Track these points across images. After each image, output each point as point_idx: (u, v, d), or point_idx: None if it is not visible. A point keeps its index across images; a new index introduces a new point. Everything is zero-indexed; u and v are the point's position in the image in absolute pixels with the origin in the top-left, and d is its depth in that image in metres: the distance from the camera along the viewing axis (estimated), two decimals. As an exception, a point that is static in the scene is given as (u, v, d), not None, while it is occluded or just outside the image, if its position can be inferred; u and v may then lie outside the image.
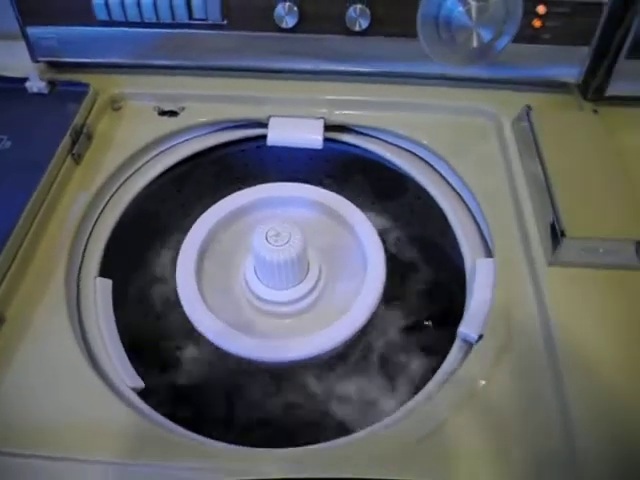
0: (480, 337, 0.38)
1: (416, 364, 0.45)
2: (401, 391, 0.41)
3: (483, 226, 0.46)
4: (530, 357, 0.37)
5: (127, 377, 0.40)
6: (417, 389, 0.38)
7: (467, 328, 0.39)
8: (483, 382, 0.36)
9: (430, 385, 0.38)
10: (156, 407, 0.38)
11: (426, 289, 0.50)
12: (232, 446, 0.34)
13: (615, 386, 0.34)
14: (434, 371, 0.39)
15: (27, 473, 0.32)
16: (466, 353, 0.39)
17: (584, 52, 0.49)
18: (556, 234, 0.39)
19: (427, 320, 0.49)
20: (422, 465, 0.33)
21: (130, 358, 0.41)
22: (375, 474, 0.32)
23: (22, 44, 0.54)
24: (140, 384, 0.40)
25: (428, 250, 0.52)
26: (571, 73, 0.50)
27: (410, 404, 0.37)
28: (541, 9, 0.46)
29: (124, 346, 0.42)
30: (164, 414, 0.37)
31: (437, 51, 0.49)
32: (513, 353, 0.37)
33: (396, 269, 0.47)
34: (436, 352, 0.41)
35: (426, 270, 0.51)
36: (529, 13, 0.46)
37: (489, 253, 0.44)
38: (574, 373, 0.35)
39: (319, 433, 0.37)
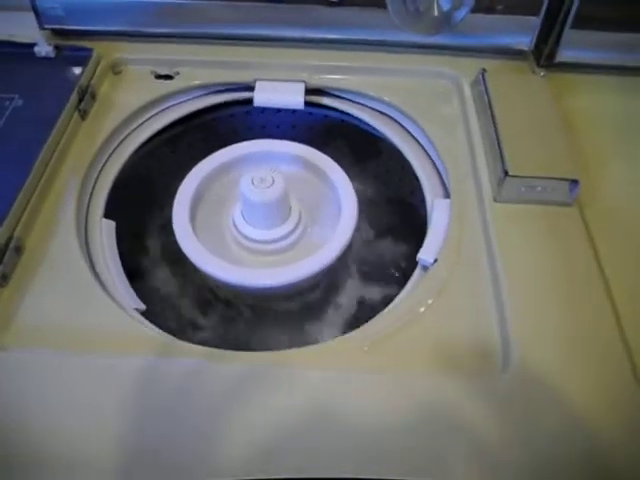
0: (435, 261, 0.45)
1: (379, 290, 0.51)
2: (365, 312, 0.48)
3: (443, 174, 0.52)
4: (476, 277, 0.43)
5: (131, 300, 0.46)
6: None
7: (424, 254, 0.45)
8: (430, 301, 0.42)
9: (392, 304, 0.45)
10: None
11: (392, 227, 0.56)
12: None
13: (547, 300, 0.41)
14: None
15: (44, 367, 0.38)
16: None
17: (534, 22, 0.55)
18: (501, 173, 0.46)
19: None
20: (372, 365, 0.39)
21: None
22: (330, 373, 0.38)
23: (29, 15, 0.59)
24: (142, 306, 0.46)
25: (398, 200, 0.59)
26: (523, 41, 0.57)
27: (374, 319, 0.43)
28: (495, -18, 0.52)
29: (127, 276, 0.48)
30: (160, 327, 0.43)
31: (404, 21, 0.55)
32: (461, 274, 0.43)
33: (367, 212, 0.53)
34: (398, 280, 0.47)
35: (393, 212, 0.57)
36: (485, -14, 0.52)
37: (448, 196, 0.51)
38: (513, 290, 0.41)
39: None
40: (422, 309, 0.42)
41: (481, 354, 0.40)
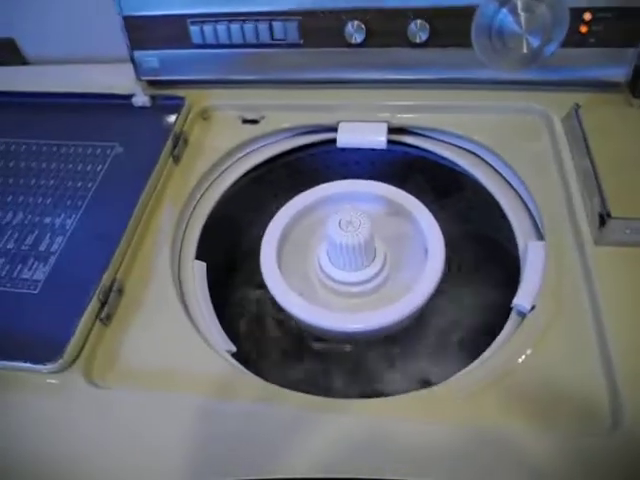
0: (532, 308, 0.43)
1: (473, 338, 0.50)
2: (459, 360, 0.46)
3: (536, 215, 0.50)
4: (578, 326, 0.41)
5: (222, 342, 0.47)
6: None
7: (520, 300, 0.44)
8: (529, 351, 0.40)
9: (487, 353, 0.43)
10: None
11: (482, 273, 0.54)
12: (309, 395, 0.40)
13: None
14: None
15: (147, 403, 0.40)
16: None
17: (630, 53, 0.52)
18: (602, 216, 0.43)
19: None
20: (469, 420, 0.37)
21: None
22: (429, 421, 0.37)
23: (126, 66, 0.64)
24: (233, 348, 0.47)
25: (484, 239, 0.57)
26: (619, 73, 0.54)
27: (467, 369, 0.42)
28: (587, 16, 0.50)
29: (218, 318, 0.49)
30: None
31: (491, 58, 0.54)
32: (562, 323, 0.41)
33: (455, 254, 0.52)
34: (492, 328, 0.45)
35: (482, 254, 0.56)
36: (576, 19, 0.51)
37: (541, 238, 0.49)
38: (619, 340, 0.39)
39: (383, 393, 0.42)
40: (520, 360, 0.40)
41: (587, 411, 0.37)
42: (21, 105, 0.64)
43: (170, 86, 0.63)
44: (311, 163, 0.64)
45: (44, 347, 0.41)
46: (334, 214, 0.51)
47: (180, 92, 0.62)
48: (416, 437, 0.36)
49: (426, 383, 0.43)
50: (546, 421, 0.37)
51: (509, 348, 0.41)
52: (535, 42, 0.51)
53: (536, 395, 0.38)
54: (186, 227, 0.54)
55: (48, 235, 0.50)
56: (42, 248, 0.49)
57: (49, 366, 0.40)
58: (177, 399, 0.40)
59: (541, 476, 0.34)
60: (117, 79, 0.65)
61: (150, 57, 0.61)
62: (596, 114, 0.52)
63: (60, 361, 0.40)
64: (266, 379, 0.42)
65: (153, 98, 0.61)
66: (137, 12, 0.57)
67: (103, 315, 0.44)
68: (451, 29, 0.53)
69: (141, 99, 0.61)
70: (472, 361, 0.42)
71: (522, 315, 0.44)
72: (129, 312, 0.46)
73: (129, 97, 0.61)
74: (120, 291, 0.47)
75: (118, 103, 0.62)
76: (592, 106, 0.53)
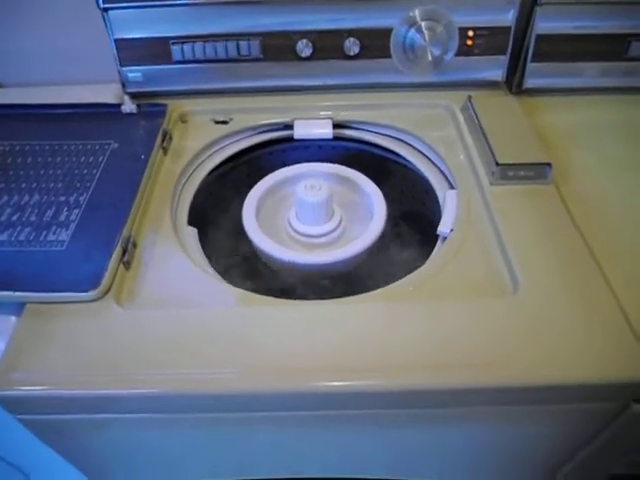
0: (451, 231, 0.59)
1: (411, 262, 0.65)
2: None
3: (448, 174, 0.68)
4: (484, 239, 0.57)
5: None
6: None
7: (443, 227, 0.60)
8: (451, 257, 0.56)
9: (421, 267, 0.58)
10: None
11: (413, 215, 0.70)
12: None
13: (539, 246, 0.55)
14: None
15: (157, 323, 0.51)
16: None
17: (503, 59, 0.73)
18: (492, 165, 0.61)
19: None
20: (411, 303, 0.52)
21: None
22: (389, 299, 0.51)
23: (110, 86, 0.76)
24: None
25: (412, 198, 0.74)
26: (497, 74, 0.74)
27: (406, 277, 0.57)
28: (470, 32, 0.70)
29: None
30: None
31: (406, 66, 0.72)
32: (473, 237, 0.57)
33: (391, 204, 0.68)
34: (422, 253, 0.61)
35: (410, 205, 0.72)
36: (463, 36, 0.70)
37: (451, 185, 0.65)
38: (512, 241, 0.55)
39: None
40: (446, 263, 0.55)
41: (495, 287, 0.53)
42: (17, 116, 0.75)
43: (152, 96, 0.76)
44: (271, 157, 0.78)
45: (81, 283, 0.52)
46: (301, 182, 0.65)
47: (162, 101, 0.75)
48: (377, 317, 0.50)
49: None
50: (468, 295, 0.52)
51: (437, 259, 0.57)
52: (436, 52, 0.70)
53: (459, 284, 0.53)
54: (178, 202, 0.67)
55: (65, 209, 0.60)
56: (62, 218, 0.59)
57: (90, 294, 0.51)
58: (186, 313, 0.51)
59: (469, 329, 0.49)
60: (103, 95, 0.77)
61: (135, 72, 0.74)
62: (483, 103, 0.70)
63: (97, 290, 0.51)
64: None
65: (139, 106, 0.74)
66: (126, 35, 0.71)
67: (125, 260, 0.55)
68: (376, 44, 0.71)
69: (129, 107, 0.73)
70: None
71: (444, 238, 0.60)
72: (143, 260, 0.57)
73: (118, 105, 0.74)
74: (135, 244, 0.58)
75: (108, 111, 0.74)
76: (480, 97, 0.72)
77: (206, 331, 0.49)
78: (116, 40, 0.71)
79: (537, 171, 0.61)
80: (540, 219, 0.57)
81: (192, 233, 0.64)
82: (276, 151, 0.79)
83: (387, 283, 0.54)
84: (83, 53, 0.78)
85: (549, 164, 0.60)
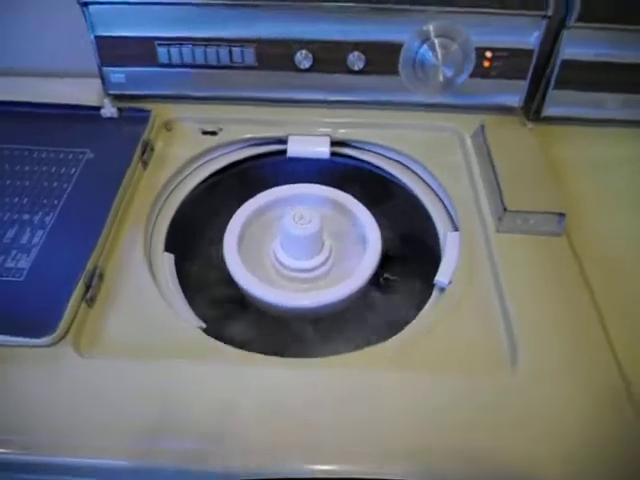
0: (449, 283, 0.53)
1: (403, 309, 0.60)
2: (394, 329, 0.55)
3: (452, 211, 0.62)
4: (485, 294, 0.52)
5: (193, 320, 0.54)
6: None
7: (441, 277, 0.54)
8: (447, 315, 0.51)
9: (414, 321, 0.53)
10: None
11: (411, 257, 0.65)
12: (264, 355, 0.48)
13: (544, 307, 0.50)
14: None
15: (120, 373, 0.45)
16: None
17: (523, 84, 0.66)
18: (500, 210, 0.55)
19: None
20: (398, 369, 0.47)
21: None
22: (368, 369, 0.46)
23: (92, 81, 0.70)
24: (202, 324, 0.54)
25: (409, 234, 0.68)
26: (514, 99, 0.67)
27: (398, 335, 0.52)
28: (488, 53, 0.63)
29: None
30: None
31: (414, 85, 0.66)
32: (473, 293, 0.52)
33: (388, 243, 0.62)
34: (419, 302, 0.55)
35: (410, 243, 0.67)
36: (480, 56, 0.63)
37: (456, 229, 0.60)
38: (516, 302, 0.50)
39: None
40: (438, 322, 0.50)
41: (491, 357, 0.48)
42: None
43: (136, 100, 0.70)
44: (262, 172, 0.72)
45: (36, 325, 0.46)
46: (289, 210, 0.59)
47: (146, 105, 0.69)
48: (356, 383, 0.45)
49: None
50: (459, 365, 0.47)
51: (432, 314, 0.51)
52: (449, 73, 0.63)
53: (451, 350, 0.48)
54: (154, 224, 0.61)
55: (28, 229, 0.55)
56: (24, 241, 0.54)
57: (44, 339, 0.46)
58: (152, 366, 0.46)
59: (459, 404, 0.44)
60: (84, 92, 0.70)
61: (118, 73, 0.67)
62: (497, 133, 0.64)
63: (53, 335, 0.46)
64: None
65: (120, 110, 0.68)
66: (108, 32, 0.64)
67: (88, 297, 0.50)
68: (383, 60, 0.64)
69: (109, 110, 0.67)
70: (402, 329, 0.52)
71: (442, 289, 0.54)
72: (109, 295, 0.52)
73: (98, 109, 0.68)
74: (101, 276, 0.52)
75: (87, 114, 0.68)
76: (494, 126, 0.65)
77: (173, 390, 0.44)
78: (97, 37, 0.65)
79: (549, 221, 0.55)
80: (548, 276, 0.52)
81: (168, 260, 0.59)
82: (267, 164, 0.73)
83: (372, 333, 0.49)
84: (68, 43, 0.71)
85: (562, 214, 0.54)
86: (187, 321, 0.52)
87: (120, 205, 0.58)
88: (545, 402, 0.44)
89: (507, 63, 0.64)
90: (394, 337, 0.50)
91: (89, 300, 0.50)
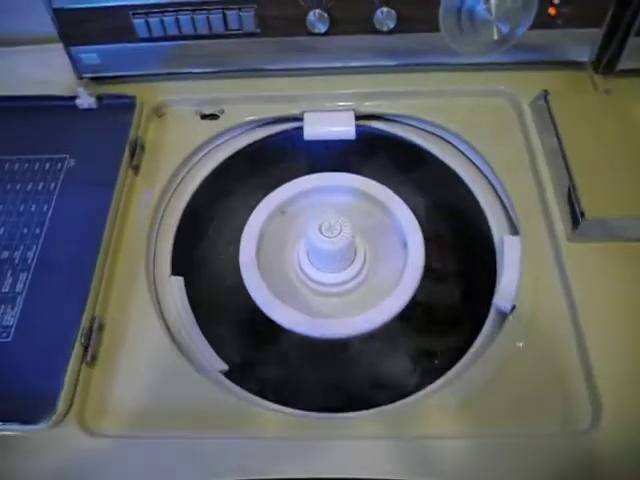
0: (513, 308, 0.44)
1: (453, 338, 0.51)
2: (442, 362, 0.48)
3: (507, 202, 0.51)
4: (556, 329, 0.43)
5: (213, 360, 0.46)
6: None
7: (501, 300, 0.45)
8: (520, 344, 0.42)
9: (468, 355, 0.45)
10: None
11: (460, 268, 0.55)
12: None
13: (634, 352, 0.41)
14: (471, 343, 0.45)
15: (136, 452, 0.39)
16: (500, 323, 0.45)
17: (596, 33, 0.52)
18: (576, 214, 0.45)
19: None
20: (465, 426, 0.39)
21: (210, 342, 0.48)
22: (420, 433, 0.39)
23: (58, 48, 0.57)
24: (224, 367, 0.47)
25: (460, 230, 0.58)
26: (584, 53, 0.54)
27: (452, 371, 0.44)
28: (555, -2, 0.49)
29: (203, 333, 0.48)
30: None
31: (459, 43, 0.52)
32: (542, 321, 0.43)
33: (431, 249, 0.52)
34: (472, 326, 0.47)
35: (459, 248, 0.57)
36: (544, 2, 0.49)
37: (514, 228, 0.50)
38: (597, 345, 0.41)
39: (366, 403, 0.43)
40: (505, 363, 0.42)
41: (567, 411, 0.40)
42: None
43: (116, 82, 0.57)
44: (277, 159, 0.61)
45: (32, 402, 0.40)
46: (313, 219, 0.50)
47: (129, 88, 0.57)
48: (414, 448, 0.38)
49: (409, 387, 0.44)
50: (530, 424, 0.39)
51: (494, 350, 0.43)
52: (504, 28, 0.49)
53: (518, 399, 0.40)
54: (156, 244, 0.52)
55: (9, 272, 0.46)
56: (6, 289, 0.45)
57: (42, 425, 0.39)
58: (175, 443, 0.39)
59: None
60: (54, 71, 0.58)
61: (89, 53, 0.55)
62: (564, 100, 0.51)
63: (54, 417, 0.39)
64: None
65: (100, 98, 0.56)
66: (70, 4, 0.51)
67: (88, 358, 0.43)
68: (419, 16, 0.50)
69: (86, 100, 0.55)
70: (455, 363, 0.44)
71: (501, 313, 0.46)
72: (113, 348, 0.44)
73: (72, 98, 0.56)
74: (101, 327, 0.45)
75: (60, 105, 0.56)
76: (559, 90, 0.52)
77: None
78: (56, 11, 0.51)
79: (635, 225, 0.44)
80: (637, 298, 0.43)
81: (177, 285, 0.50)
82: (283, 148, 0.61)
83: (396, 382, 0.41)
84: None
85: (656, 218, 0.44)
86: (206, 367, 0.45)
87: (113, 229, 0.49)
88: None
89: (578, 9, 0.50)
90: (425, 390, 0.42)
91: (90, 360, 0.43)
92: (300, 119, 0.58)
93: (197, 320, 0.48)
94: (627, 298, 0.43)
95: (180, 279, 0.51)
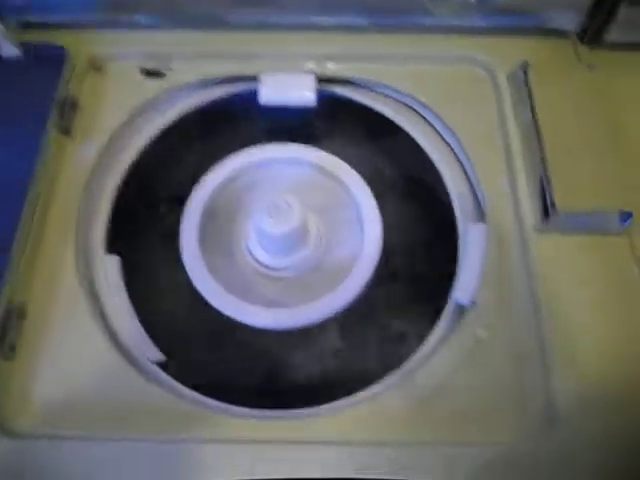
0: (472, 304, 0.42)
1: (409, 327, 0.49)
2: (394, 355, 0.45)
3: (475, 185, 0.47)
4: (519, 330, 0.40)
5: (148, 350, 0.43)
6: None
7: (461, 293, 0.42)
8: (479, 340, 0.40)
9: (424, 348, 0.42)
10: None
11: (420, 254, 0.52)
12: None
13: (595, 348, 0.39)
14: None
15: (61, 454, 0.36)
16: (458, 316, 0.43)
17: (585, 1, 0.47)
18: (547, 204, 0.41)
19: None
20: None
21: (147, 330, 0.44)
22: (382, 436, 0.37)
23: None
24: (160, 357, 0.43)
25: (423, 213, 0.54)
26: (569, 21, 0.49)
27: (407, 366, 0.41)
28: (543, -43, 0.43)
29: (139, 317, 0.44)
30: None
31: (435, 2, 0.46)
32: (503, 319, 0.41)
33: (389, 230, 0.49)
34: (429, 314, 0.44)
35: (420, 232, 0.53)
36: (530, -39, 0.44)
37: (481, 213, 0.46)
38: (559, 354, 0.38)
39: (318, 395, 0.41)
40: (461, 361, 0.39)
41: (524, 414, 0.38)
42: None
43: (48, 30, 0.50)
44: (228, 124, 0.55)
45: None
46: (260, 197, 0.45)
47: (63, 37, 0.50)
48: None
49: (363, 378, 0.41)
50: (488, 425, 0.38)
51: (450, 347, 0.40)
52: (485, -12, 0.44)
53: (474, 403, 0.38)
54: (89, 216, 0.47)
55: None
56: None
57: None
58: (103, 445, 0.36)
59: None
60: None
61: (10, -8, 0.47)
62: (545, 76, 0.47)
63: (-39, 419, 0.35)
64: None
65: (26, 47, 0.49)
66: None
67: (6, 350, 0.38)
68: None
69: (10, 49, 0.48)
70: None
71: (460, 307, 0.43)
72: (36, 337, 0.40)
73: (-5, 46, 0.49)
74: (21, 314, 0.40)
75: (-20, 53, 0.49)
76: (539, 62, 0.48)
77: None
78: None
79: (608, 220, 0.41)
80: (603, 293, 0.40)
81: (112, 265, 0.46)
82: (235, 108, 0.55)
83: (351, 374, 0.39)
84: None
85: (628, 214, 0.40)
86: (140, 357, 0.42)
87: (37, 199, 0.44)
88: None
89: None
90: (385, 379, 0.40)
91: (8, 351, 0.39)
92: (255, 79, 0.52)
93: (134, 305, 0.44)
94: (595, 293, 0.40)
95: (116, 258, 0.46)
